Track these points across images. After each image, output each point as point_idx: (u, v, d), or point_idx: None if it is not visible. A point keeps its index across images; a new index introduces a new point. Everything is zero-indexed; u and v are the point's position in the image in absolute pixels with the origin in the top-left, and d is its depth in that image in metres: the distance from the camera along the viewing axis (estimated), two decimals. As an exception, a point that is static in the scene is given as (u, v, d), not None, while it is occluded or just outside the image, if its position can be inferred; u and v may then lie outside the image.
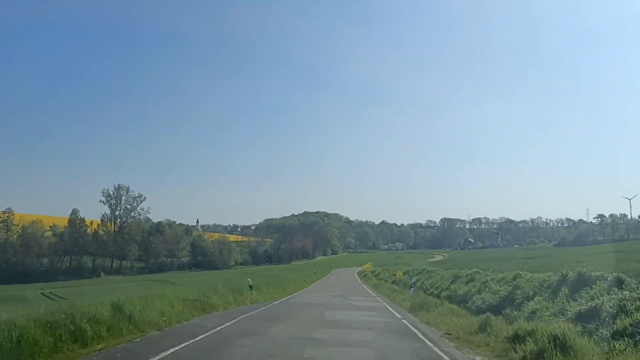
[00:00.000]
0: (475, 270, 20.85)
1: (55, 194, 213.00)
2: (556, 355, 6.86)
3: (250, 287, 23.56)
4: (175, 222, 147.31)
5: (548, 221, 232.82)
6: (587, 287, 9.50)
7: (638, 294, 8.12)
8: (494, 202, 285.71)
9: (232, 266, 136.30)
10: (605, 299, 8.43)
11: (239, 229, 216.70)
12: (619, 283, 9.17)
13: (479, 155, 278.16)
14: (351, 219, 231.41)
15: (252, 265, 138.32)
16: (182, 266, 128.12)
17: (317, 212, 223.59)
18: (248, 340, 9.99)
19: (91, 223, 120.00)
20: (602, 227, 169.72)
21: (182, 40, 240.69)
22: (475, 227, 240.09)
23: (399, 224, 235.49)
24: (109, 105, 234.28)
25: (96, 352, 8.52)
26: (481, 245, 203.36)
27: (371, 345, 9.73)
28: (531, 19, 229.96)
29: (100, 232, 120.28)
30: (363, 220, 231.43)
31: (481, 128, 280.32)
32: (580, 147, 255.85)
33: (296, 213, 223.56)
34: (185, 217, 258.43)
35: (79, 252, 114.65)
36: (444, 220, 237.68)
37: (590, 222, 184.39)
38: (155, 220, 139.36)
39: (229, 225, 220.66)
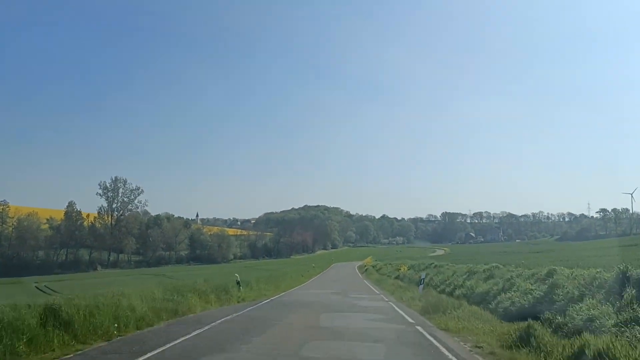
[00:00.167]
0: (493, 265, 18.13)
1: (51, 186, 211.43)
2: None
3: (238, 283, 21.00)
4: (173, 215, 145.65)
5: (549, 215, 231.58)
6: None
7: None
8: (495, 197, 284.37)
9: (231, 260, 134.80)
10: None
11: (239, 223, 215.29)
12: None
13: (480, 149, 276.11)
14: (352, 213, 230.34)
15: (252, 259, 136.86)
16: (180, 260, 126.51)
17: (318, 206, 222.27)
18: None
19: (87, 216, 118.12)
20: (605, 221, 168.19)
21: (182, 33, 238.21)
22: (477, 221, 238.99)
23: (399, 218, 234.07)
24: (107, 97, 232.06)
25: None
26: (482, 239, 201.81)
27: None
28: (532, 15, 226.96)
29: (97, 225, 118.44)
30: (363, 214, 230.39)
31: (482, 123, 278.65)
32: (580, 142, 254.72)
33: (296, 207, 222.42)
34: (185, 210, 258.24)
35: (75, 245, 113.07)
36: (444, 214, 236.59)
37: (592, 216, 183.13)
38: (154, 214, 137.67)
39: (229, 219, 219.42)
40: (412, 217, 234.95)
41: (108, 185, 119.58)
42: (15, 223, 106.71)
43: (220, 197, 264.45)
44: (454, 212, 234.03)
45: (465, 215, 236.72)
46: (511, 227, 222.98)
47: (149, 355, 7.88)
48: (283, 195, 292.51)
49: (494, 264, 18.19)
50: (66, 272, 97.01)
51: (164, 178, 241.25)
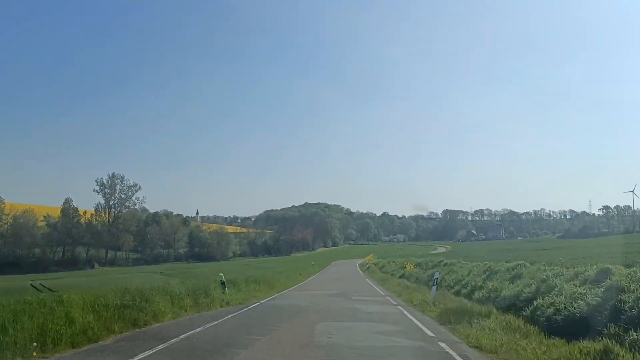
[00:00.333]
0: (519, 262, 15.57)
1: (48, 183, 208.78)
2: None
3: (223, 284, 18.07)
4: (172, 212, 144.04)
5: (551, 213, 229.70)
6: None
7: None
8: (496, 194, 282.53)
9: (231, 258, 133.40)
10: None
11: (239, 220, 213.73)
12: None
13: (481, 147, 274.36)
14: (352, 210, 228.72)
15: (251, 257, 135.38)
16: (179, 257, 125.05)
17: (318, 203, 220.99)
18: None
19: (84, 213, 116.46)
20: (608, 219, 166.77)
21: (181, 29, 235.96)
22: (478, 218, 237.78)
23: (400, 215, 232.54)
24: (105, 93, 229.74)
25: None
26: (484, 237, 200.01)
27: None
28: (534, 11, 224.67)
29: (94, 222, 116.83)
30: (364, 212, 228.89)
31: (482, 120, 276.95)
32: (581, 139, 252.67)
33: (297, 204, 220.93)
34: (185, 208, 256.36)
35: (72, 242, 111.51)
36: (445, 211, 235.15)
37: (593, 214, 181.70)
38: (154, 211, 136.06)
39: (230, 216, 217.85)
40: (412, 214, 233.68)
41: (105, 181, 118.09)
42: (10, 220, 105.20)
43: (221, 195, 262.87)
44: (455, 209, 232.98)
45: (466, 212, 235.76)
46: (512, 224, 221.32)
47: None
48: (284, 193, 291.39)
49: (519, 262, 15.66)
50: (63, 270, 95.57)
51: (165, 176, 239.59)
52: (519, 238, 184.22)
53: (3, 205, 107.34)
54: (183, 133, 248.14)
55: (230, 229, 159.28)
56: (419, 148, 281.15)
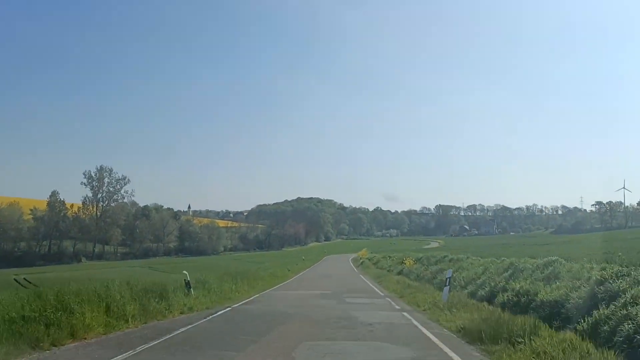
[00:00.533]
0: (552, 258, 12.60)
1: (34, 175, 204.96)
2: None
3: (187, 284, 14.97)
4: (162, 206, 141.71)
5: (543, 208, 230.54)
6: None
7: None
8: (488, 190, 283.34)
9: (221, 252, 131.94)
10: None
11: (232, 215, 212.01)
12: None
13: (473, 142, 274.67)
14: (345, 205, 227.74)
15: (243, 252, 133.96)
16: (169, 252, 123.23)
17: (311, 198, 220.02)
18: None
19: (72, 206, 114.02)
20: (601, 214, 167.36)
21: (170, 20, 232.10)
22: (470, 214, 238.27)
23: (393, 210, 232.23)
24: (93, 84, 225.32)
25: None
26: (476, 232, 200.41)
27: None
28: (527, 5, 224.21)
29: (82, 215, 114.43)
30: (357, 207, 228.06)
31: (474, 115, 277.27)
32: (572, 135, 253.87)
33: (289, 199, 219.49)
34: (177, 203, 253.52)
35: (59, 236, 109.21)
36: (438, 207, 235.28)
37: (584, 209, 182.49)
38: (145, 205, 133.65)
39: (222, 211, 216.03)
40: (405, 209, 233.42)
41: (93, 174, 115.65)
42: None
43: (213, 190, 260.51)
44: (448, 204, 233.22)
45: (459, 208, 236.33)
46: (505, 219, 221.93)
47: None
48: (276, 188, 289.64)
49: (552, 258, 12.69)
50: (49, 264, 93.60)
51: (156, 170, 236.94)
52: (511, 233, 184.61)
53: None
54: (174, 127, 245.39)
55: (221, 223, 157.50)
56: (411, 143, 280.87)
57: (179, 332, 9.96)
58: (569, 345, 6.89)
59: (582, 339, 7.22)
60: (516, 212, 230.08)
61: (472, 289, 14.46)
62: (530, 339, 7.49)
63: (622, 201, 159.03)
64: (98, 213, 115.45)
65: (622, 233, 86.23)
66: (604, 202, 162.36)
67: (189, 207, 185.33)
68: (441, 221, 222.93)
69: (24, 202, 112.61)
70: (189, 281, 15.09)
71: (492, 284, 13.37)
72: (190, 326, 10.66)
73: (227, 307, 14.26)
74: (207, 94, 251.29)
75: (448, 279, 14.32)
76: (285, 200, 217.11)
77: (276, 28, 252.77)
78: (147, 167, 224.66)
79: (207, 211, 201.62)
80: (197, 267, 50.28)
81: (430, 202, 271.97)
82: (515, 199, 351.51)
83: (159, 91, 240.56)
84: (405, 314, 12.78)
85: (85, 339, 8.82)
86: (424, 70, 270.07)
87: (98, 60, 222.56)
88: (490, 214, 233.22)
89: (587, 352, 6.62)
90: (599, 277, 9.01)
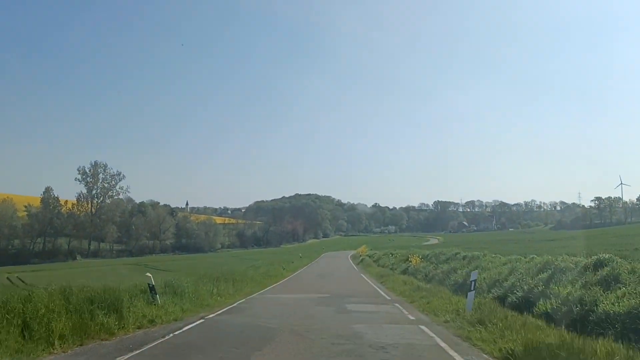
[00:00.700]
0: (601, 256, 10.41)
1: (29, 172, 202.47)
2: None
3: (152, 289, 12.12)
4: (159, 203, 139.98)
5: (541, 204, 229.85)
6: None
7: None
8: (487, 185, 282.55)
9: (219, 249, 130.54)
10: None
11: (229, 212, 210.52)
12: None
13: (471, 138, 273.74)
14: (343, 201, 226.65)
15: (240, 249, 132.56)
16: (165, 249, 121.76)
17: (309, 194, 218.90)
18: None
19: (66, 202, 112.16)
20: (600, 210, 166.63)
21: (164, 14, 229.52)
22: (469, 210, 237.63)
23: (391, 207, 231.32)
24: (87, 79, 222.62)
25: None
26: (475, 228, 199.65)
27: None
28: (518, 3, 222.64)
29: (77, 212, 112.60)
30: (355, 203, 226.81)
31: (473, 111, 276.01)
32: (570, 130, 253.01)
33: (287, 195, 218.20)
34: (174, 199, 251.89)
35: (54, 233, 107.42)
36: (437, 203, 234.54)
37: (583, 205, 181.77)
38: (139, 201, 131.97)
39: (220, 207, 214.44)
40: (404, 205, 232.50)
41: (87, 170, 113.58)
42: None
43: (211, 186, 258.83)
44: (446, 200, 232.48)
45: (457, 204, 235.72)
46: (504, 215, 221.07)
47: None
48: (274, 184, 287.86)
49: (605, 256, 10.45)
50: (43, 262, 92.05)
51: (154, 167, 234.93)
52: (510, 229, 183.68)
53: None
54: (172, 123, 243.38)
55: (219, 219, 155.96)
56: (409, 139, 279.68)
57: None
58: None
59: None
60: (514, 208, 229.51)
61: (498, 292, 12.28)
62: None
63: (621, 197, 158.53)
64: (93, 210, 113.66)
65: (626, 229, 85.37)
66: (603, 197, 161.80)
67: (187, 203, 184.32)
68: (440, 217, 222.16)
69: (18, 198, 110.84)
70: (153, 285, 12.21)
71: (526, 287, 11.27)
72: (136, 352, 7.75)
73: (201, 317, 11.68)
74: (204, 90, 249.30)
75: (473, 283, 11.70)
76: (283, 197, 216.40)
77: (270, 23, 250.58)
78: (144, 164, 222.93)
79: (205, 208, 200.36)
80: (190, 266, 48.72)
81: (428, 198, 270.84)
82: (514, 195, 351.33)
83: (155, 86, 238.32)
84: (423, 327, 10.27)
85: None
86: (421, 66, 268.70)
87: (91, 54, 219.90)
88: (488, 209, 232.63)
89: None
90: None
